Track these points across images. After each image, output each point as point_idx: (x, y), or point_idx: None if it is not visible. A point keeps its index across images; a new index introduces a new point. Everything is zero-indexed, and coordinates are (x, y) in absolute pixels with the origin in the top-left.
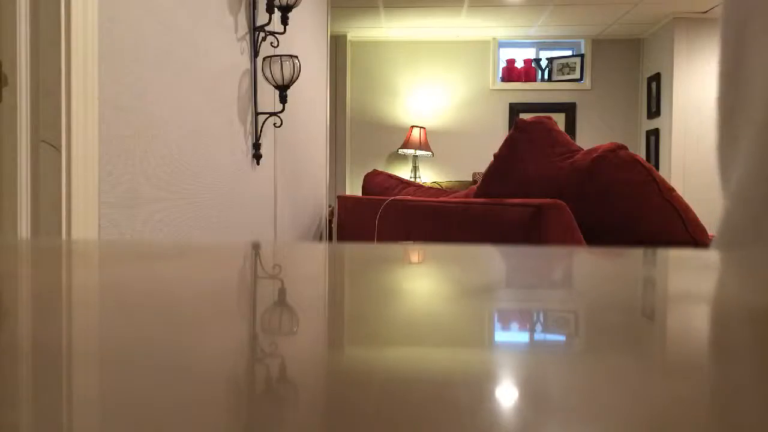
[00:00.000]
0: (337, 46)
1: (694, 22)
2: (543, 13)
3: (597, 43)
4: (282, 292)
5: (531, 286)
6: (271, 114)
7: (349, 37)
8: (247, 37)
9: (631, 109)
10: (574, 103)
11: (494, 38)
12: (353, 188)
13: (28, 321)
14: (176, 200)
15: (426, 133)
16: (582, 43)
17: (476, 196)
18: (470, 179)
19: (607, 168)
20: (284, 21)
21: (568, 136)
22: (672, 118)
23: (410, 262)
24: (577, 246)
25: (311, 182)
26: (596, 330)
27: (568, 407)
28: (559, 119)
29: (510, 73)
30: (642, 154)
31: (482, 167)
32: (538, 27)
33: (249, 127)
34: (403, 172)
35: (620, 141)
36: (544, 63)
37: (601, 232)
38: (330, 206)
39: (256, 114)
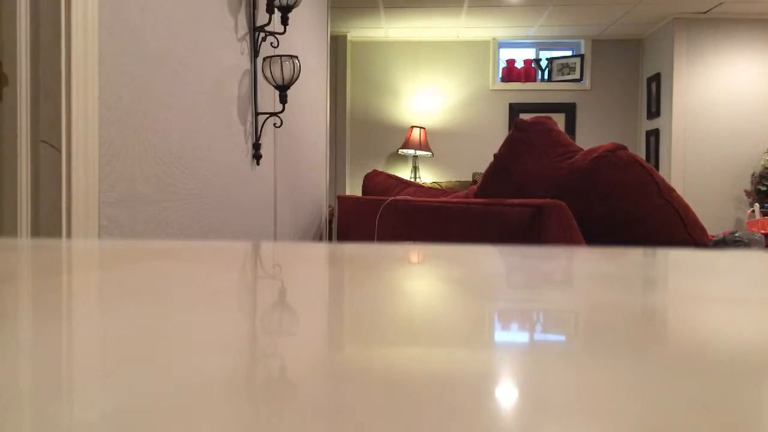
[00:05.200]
0: (337, 46)
1: (694, 22)
2: (543, 13)
3: (597, 43)
4: (282, 292)
5: (531, 286)
6: (271, 114)
7: (349, 38)
8: (247, 37)
9: (631, 109)
10: (574, 104)
11: (494, 38)
12: (353, 188)
13: (30, 320)
14: (176, 200)
15: (426, 134)
16: (582, 43)
17: (476, 196)
18: (470, 179)
19: (607, 168)
20: (284, 21)
21: (568, 137)
22: (672, 118)
23: (410, 263)
24: (576, 246)
25: (311, 182)
26: (595, 330)
27: (567, 407)
28: (559, 119)
29: (510, 74)
30: (642, 155)
31: (482, 167)
32: (538, 27)
33: (249, 127)
34: (403, 172)
35: (620, 141)
36: (544, 63)
37: (600, 233)
38: (330, 206)
39: (256, 114)
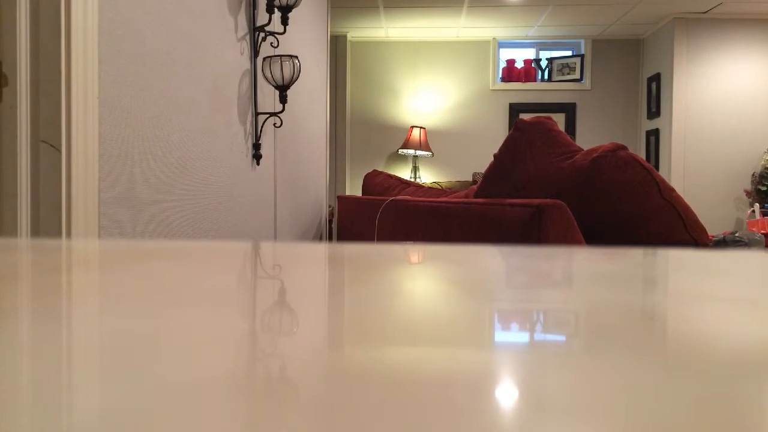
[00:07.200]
0: (337, 46)
1: (694, 22)
2: (543, 13)
3: (597, 43)
4: (282, 292)
5: (530, 286)
6: (271, 114)
7: (349, 38)
8: (247, 37)
9: (631, 109)
10: (574, 104)
11: (494, 38)
12: (353, 188)
13: (29, 321)
14: (176, 200)
15: (426, 134)
16: (582, 43)
17: (476, 196)
18: (470, 179)
19: (607, 168)
20: (284, 21)
21: (568, 137)
22: (672, 118)
23: (410, 263)
24: (577, 246)
25: (311, 182)
26: (595, 330)
27: (567, 407)
28: (559, 119)
29: (510, 74)
30: (642, 155)
31: (482, 167)
32: (538, 27)
33: (249, 127)
34: (403, 172)
35: (620, 141)
36: (544, 63)
37: (601, 233)
38: (330, 206)
39: (256, 114)
